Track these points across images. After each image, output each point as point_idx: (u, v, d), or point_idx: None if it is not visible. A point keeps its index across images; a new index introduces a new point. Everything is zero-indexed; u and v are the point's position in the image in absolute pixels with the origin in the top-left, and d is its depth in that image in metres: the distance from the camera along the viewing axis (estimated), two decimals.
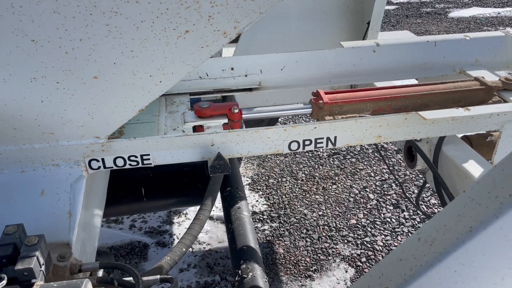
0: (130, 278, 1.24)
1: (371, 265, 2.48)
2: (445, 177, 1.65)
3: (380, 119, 1.44)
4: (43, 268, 1.13)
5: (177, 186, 2.03)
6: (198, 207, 2.78)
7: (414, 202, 2.43)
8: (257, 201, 3.02)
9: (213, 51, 0.98)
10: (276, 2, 0.86)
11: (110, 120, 1.19)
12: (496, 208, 0.67)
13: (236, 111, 1.48)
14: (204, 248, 2.64)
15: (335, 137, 1.46)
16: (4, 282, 1.03)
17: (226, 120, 1.50)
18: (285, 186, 3.15)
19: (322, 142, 1.46)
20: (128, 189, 1.98)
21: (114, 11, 0.83)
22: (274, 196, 3.06)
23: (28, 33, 0.85)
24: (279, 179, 3.24)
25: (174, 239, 2.72)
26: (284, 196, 3.05)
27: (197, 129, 1.47)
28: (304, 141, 1.45)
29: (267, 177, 3.27)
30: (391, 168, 3.29)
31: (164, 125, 1.46)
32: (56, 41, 0.88)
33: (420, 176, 3.21)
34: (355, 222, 2.81)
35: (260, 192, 3.12)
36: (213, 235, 2.72)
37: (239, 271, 1.63)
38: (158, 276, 1.37)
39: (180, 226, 2.84)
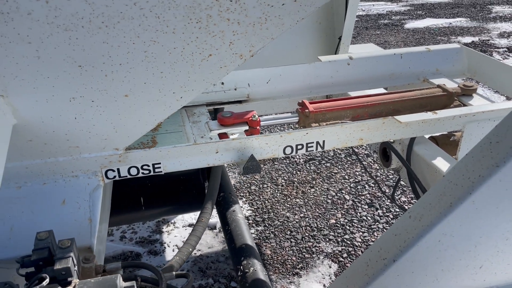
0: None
1: (352, 260, 2.69)
2: (417, 173, 1.88)
3: (362, 124, 1.65)
4: (76, 268, 1.26)
5: (174, 194, 2.17)
6: (190, 213, 2.92)
7: (390, 197, 2.66)
8: (241, 207, 3.18)
9: (230, 70, 1.15)
10: (285, 30, 1.05)
11: (131, 132, 1.34)
12: (469, 186, 0.88)
13: (256, 118, 1.66)
14: (195, 253, 2.76)
15: (324, 141, 1.66)
16: (47, 280, 1.15)
17: (246, 127, 1.67)
18: (267, 192, 3.33)
19: (312, 146, 1.65)
20: (128, 199, 2.09)
21: (153, 40, 0.99)
22: (257, 202, 3.23)
23: (77, 60, 1.00)
24: (261, 186, 3.41)
25: (165, 247, 2.83)
26: (266, 201, 3.23)
27: (221, 136, 1.62)
28: (297, 145, 1.63)
29: (249, 184, 3.43)
30: (367, 168, 3.54)
31: (192, 133, 1.60)
32: (99, 66, 1.03)
33: (392, 176, 3.48)
34: (334, 221, 3.02)
35: (244, 199, 3.28)
36: (203, 241, 2.86)
37: (241, 267, 1.78)
38: (174, 273, 1.52)
39: (170, 234, 2.95)
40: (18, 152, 1.30)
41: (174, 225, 3.05)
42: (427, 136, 1.99)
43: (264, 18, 0.99)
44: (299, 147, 1.63)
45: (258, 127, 1.67)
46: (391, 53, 2.25)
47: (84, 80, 1.06)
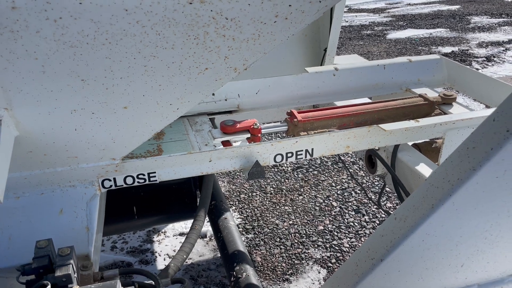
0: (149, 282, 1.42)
1: (340, 265, 2.75)
2: (401, 179, 1.96)
3: (349, 132, 1.73)
4: (76, 274, 1.29)
5: (166, 202, 2.21)
6: (181, 222, 2.95)
7: (376, 203, 2.73)
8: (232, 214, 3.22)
9: (224, 83, 1.21)
10: (276, 45, 1.12)
11: (128, 143, 1.39)
12: (449, 188, 0.95)
13: (257, 126, 1.72)
14: (187, 262, 2.79)
15: (312, 149, 1.72)
16: (49, 287, 1.19)
17: (248, 135, 1.73)
18: (256, 200, 3.38)
19: (301, 154, 1.72)
20: (121, 208, 2.13)
21: (153, 55, 1.05)
22: (247, 210, 3.28)
23: (80, 74, 1.05)
24: (250, 194, 3.47)
25: (156, 257, 2.86)
26: (256, 209, 3.28)
27: (224, 144, 1.67)
28: (287, 153, 1.70)
29: (238, 193, 3.49)
30: (353, 175, 3.62)
31: (196, 141, 1.65)
32: (101, 79, 1.08)
33: (377, 183, 3.57)
34: (322, 228, 3.09)
35: (234, 207, 3.33)
36: (194, 250, 2.88)
37: (234, 273, 1.83)
38: (169, 278, 1.57)
39: (161, 244, 2.98)
40: (18, 163, 1.34)
41: (164, 234, 3.08)
42: (410, 143, 2.08)
43: (257, 34, 1.06)
44: (289, 155, 1.70)
45: (259, 135, 1.74)
46: (375, 64, 2.34)
47: (86, 93, 1.11)
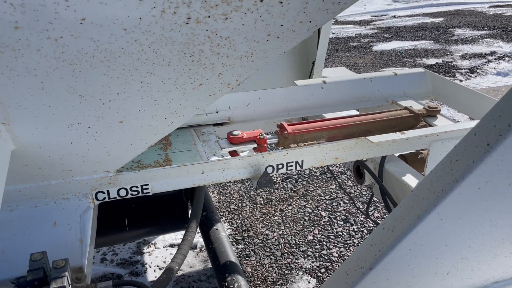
0: None
1: (330, 275, 2.79)
2: (389, 189, 2.01)
3: (337, 144, 1.78)
4: (70, 287, 1.31)
5: (158, 214, 2.22)
6: (171, 234, 2.96)
7: (364, 213, 2.78)
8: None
9: (218, 97, 1.25)
10: (268, 62, 1.16)
11: (123, 156, 1.41)
12: (434, 199, 1.00)
13: (263, 137, 1.76)
14: (177, 273, 2.80)
15: (302, 161, 1.77)
16: None
17: (255, 145, 1.77)
18: (246, 211, 3.41)
19: (292, 166, 1.76)
20: (112, 220, 2.14)
21: (149, 72, 1.08)
22: (237, 220, 3.31)
23: (78, 90, 1.08)
24: (240, 205, 3.49)
25: (146, 268, 2.86)
26: (246, 220, 3.31)
27: (231, 154, 1.71)
28: (277, 165, 1.74)
29: (228, 204, 3.51)
30: (342, 185, 3.67)
31: (204, 152, 1.68)
32: (98, 95, 1.11)
33: (365, 193, 3.62)
34: (312, 238, 3.12)
35: (224, 218, 3.35)
36: (184, 261, 2.90)
37: (225, 283, 1.86)
38: None
39: (151, 255, 2.98)
40: (13, 176, 1.35)
41: (155, 245, 3.08)
42: (397, 155, 2.13)
43: (250, 52, 1.10)
44: (280, 166, 1.74)
45: (265, 145, 1.78)
46: (362, 77, 2.41)
47: (83, 108, 1.14)
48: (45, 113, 1.12)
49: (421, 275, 1.20)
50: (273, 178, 3.85)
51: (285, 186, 3.74)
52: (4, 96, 1.03)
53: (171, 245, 3.08)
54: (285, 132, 1.93)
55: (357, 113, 2.36)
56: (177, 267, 1.75)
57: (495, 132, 0.93)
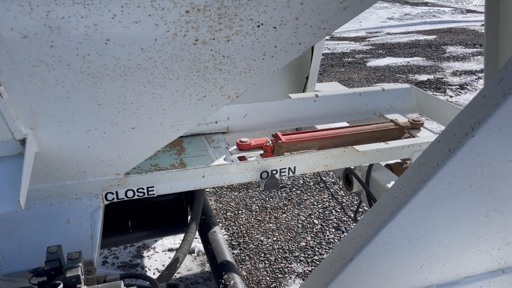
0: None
1: None
2: (375, 196, 2.17)
3: (326, 152, 1.94)
4: (83, 276, 1.45)
5: (159, 217, 2.36)
6: (170, 239, 3.09)
7: (353, 218, 2.93)
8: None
9: (219, 108, 1.41)
10: (264, 77, 1.33)
11: (132, 159, 1.57)
12: (405, 197, 1.16)
13: (270, 144, 1.92)
14: (175, 276, 2.93)
15: (295, 167, 1.93)
16: (61, 286, 1.34)
17: (262, 151, 1.93)
18: (242, 218, 3.55)
19: (285, 171, 1.92)
20: (117, 223, 2.27)
21: (160, 85, 1.24)
22: (233, 227, 3.45)
23: (98, 99, 1.24)
24: (236, 212, 3.64)
25: (146, 271, 2.99)
26: (241, 226, 3.45)
27: (240, 159, 1.87)
28: (272, 171, 1.89)
29: (224, 211, 3.65)
30: (334, 194, 3.83)
31: (215, 157, 1.84)
32: (115, 104, 1.27)
33: (356, 201, 3.78)
34: (304, 244, 3.27)
35: (220, 224, 3.49)
36: (182, 265, 3.03)
37: (222, 281, 2.00)
38: (165, 283, 1.72)
39: (150, 259, 3.11)
40: (32, 176, 1.50)
41: (154, 250, 3.21)
42: (383, 164, 2.30)
43: (248, 69, 1.27)
44: (274, 172, 1.90)
45: (271, 152, 1.94)
46: (352, 92, 2.58)
47: (101, 116, 1.30)
48: (68, 119, 1.28)
49: (396, 267, 1.35)
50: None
51: (280, 195, 3.89)
52: (35, 103, 1.19)
53: (170, 250, 3.21)
54: (279, 141, 2.09)
55: (347, 125, 2.53)
56: (178, 264, 1.89)
57: (455, 139, 1.09)
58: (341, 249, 1.30)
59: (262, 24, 1.11)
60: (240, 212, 3.64)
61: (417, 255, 1.34)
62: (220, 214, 3.61)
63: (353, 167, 2.32)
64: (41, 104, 1.20)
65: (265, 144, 1.96)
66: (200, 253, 3.18)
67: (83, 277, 1.44)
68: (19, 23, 0.95)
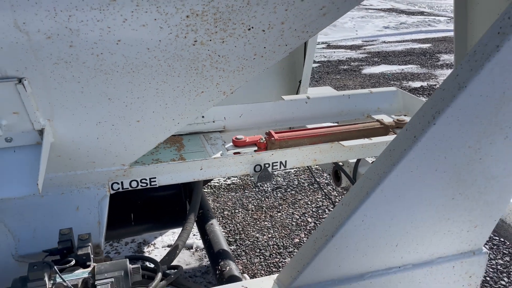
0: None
1: None
2: None
3: (315, 147, 2.10)
4: (92, 255, 1.60)
5: (160, 211, 2.52)
6: (169, 234, 3.23)
7: None
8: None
9: (215, 103, 1.58)
10: (255, 75, 1.50)
11: (137, 151, 1.72)
12: (378, 179, 1.32)
13: (263, 141, 2.07)
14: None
15: (286, 161, 2.09)
16: (73, 262, 1.49)
17: (256, 148, 2.08)
18: (238, 216, 3.71)
19: (277, 165, 2.08)
20: (120, 215, 2.43)
21: (163, 81, 1.41)
22: (230, 225, 3.60)
23: (108, 94, 1.40)
24: (233, 211, 3.79)
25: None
26: (238, 224, 3.60)
27: (235, 154, 2.01)
28: (264, 164, 2.05)
29: (222, 210, 3.80)
30: (328, 194, 3.98)
31: (212, 153, 1.99)
32: (124, 98, 1.43)
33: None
34: (298, 240, 3.42)
35: (217, 222, 3.64)
36: (181, 259, 3.18)
37: (219, 267, 2.15)
38: (165, 266, 1.87)
39: (150, 254, 3.25)
40: (47, 165, 1.66)
41: (154, 245, 3.36)
42: (369, 160, 2.46)
43: (241, 67, 1.43)
44: (267, 165, 2.06)
45: (264, 148, 2.10)
46: (341, 94, 2.75)
47: (110, 109, 1.46)
48: (81, 112, 1.44)
49: (374, 245, 1.50)
50: (264, 187, 4.15)
51: (275, 195, 4.05)
52: (53, 97, 1.36)
53: (169, 245, 3.35)
54: (272, 138, 2.26)
55: (337, 124, 2.69)
56: (178, 251, 2.03)
57: (420, 127, 1.26)
58: (324, 227, 1.46)
59: (252, 27, 1.28)
60: (236, 211, 3.79)
61: (392, 235, 1.50)
62: (217, 213, 3.76)
63: (341, 163, 2.49)
64: (58, 97, 1.36)
65: (259, 141, 2.11)
66: (198, 249, 3.32)
67: (92, 255, 1.59)
68: (45, 25, 1.12)
